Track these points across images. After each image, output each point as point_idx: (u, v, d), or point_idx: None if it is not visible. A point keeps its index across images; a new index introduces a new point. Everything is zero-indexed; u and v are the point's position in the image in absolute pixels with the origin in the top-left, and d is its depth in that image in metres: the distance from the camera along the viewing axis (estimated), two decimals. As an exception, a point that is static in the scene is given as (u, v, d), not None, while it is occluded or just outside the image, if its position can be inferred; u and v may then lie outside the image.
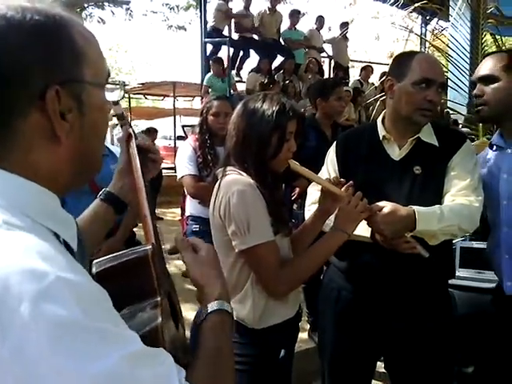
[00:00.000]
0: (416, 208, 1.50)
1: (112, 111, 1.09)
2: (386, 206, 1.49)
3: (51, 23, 0.63)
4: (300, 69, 8.47)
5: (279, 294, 1.49)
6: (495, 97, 1.70)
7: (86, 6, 10.54)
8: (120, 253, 0.75)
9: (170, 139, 14.65)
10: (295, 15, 8.90)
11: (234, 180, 1.45)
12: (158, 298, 0.68)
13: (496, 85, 1.69)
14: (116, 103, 1.08)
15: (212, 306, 0.78)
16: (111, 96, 0.78)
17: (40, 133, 0.63)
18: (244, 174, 1.47)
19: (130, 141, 1.06)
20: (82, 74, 0.66)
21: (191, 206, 2.80)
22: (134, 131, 1.09)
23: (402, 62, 1.67)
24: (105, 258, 0.74)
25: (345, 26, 9.54)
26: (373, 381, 1.88)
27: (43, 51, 0.61)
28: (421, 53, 1.73)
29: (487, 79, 1.72)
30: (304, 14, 9.63)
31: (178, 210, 6.12)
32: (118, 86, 0.80)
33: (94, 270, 0.73)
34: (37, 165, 0.64)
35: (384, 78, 1.81)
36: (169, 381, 0.56)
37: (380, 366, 1.89)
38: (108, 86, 0.75)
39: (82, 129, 0.66)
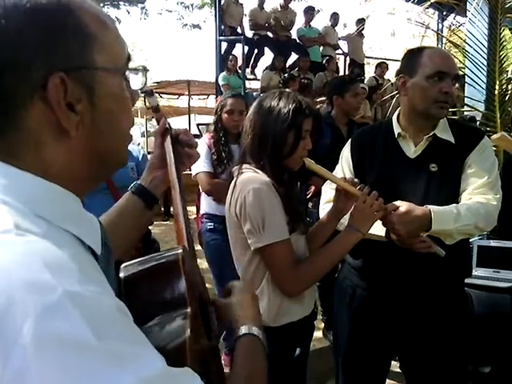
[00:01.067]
0: (432, 207, 1.49)
1: (147, 103, 1.03)
2: (402, 206, 1.48)
3: (54, 5, 0.57)
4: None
5: (292, 292, 1.49)
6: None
7: (101, 5, 10.64)
8: (149, 256, 0.70)
9: (185, 137, 14.71)
10: (310, 12, 8.86)
11: (249, 178, 1.45)
12: (188, 309, 0.62)
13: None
14: (150, 94, 1.03)
15: (243, 329, 0.80)
16: (134, 84, 0.68)
17: (46, 126, 0.57)
18: (260, 171, 1.47)
19: (166, 135, 1.00)
20: (94, 60, 0.59)
21: (206, 204, 2.82)
22: (170, 125, 1.04)
23: (412, 58, 1.66)
24: (133, 261, 0.69)
25: (361, 22, 9.47)
26: (387, 380, 1.87)
27: (42, 35, 0.55)
28: (430, 47, 1.72)
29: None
30: (319, 11, 9.56)
31: (192, 208, 6.13)
32: (139, 73, 0.71)
33: (121, 274, 0.68)
34: (48, 161, 0.57)
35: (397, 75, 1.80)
36: None
37: (395, 366, 1.88)
38: (129, 72, 0.66)
39: (96, 120, 0.60)
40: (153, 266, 0.68)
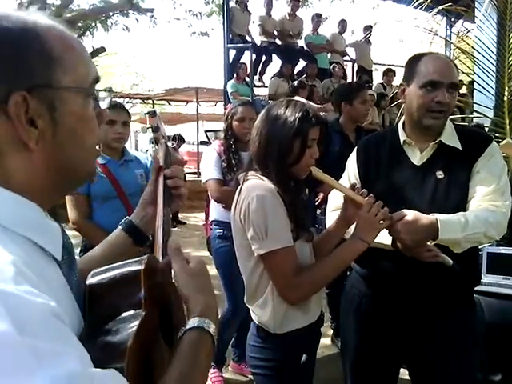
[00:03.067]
0: (438, 216, 1.47)
1: (148, 123, 1.09)
2: (408, 215, 1.46)
3: (19, 29, 0.62)
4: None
5: (294, 300, 1.48)
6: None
7: (111, 14, 10.75)
8: (116, 264, 0.74)
9: (193, 144, 14.81)
10: (317, 19, 8.88)
11: (254, 185, 1.46)
12: (142, 313, 0.66)
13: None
14: (153, 115, 1.08)
15: (192, 322, 0.73)
16: (102, 104, 0.74)
17: (8, 139, 0.61)
18: (265, 179, 1.48)
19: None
20: (56, 80, 0.64)
21: (215, 211, 2.83)
22: (167, 144, 1.07)
23: (410, 65, 1.65)
24: (100, 269, 0.74)
25: (368, 29, 9.48)
26: (397, 388, 1.86)
27: (6, 57, 0.61)
28: (429, 54, 1.68)
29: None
30: (326, 18, 9.58)
31: (201, 215, 6.17)
32: (106, 94, 0.76)
33: (88, 281, 0.72)
34: (9, 172, 0.62)
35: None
36: None
37: (404, 373, 1.87)
38: (101, 93, 0.72)
39: (58, 136, 0.65)
40: (116, 273, 0.72)
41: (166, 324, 0.75)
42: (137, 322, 0.64)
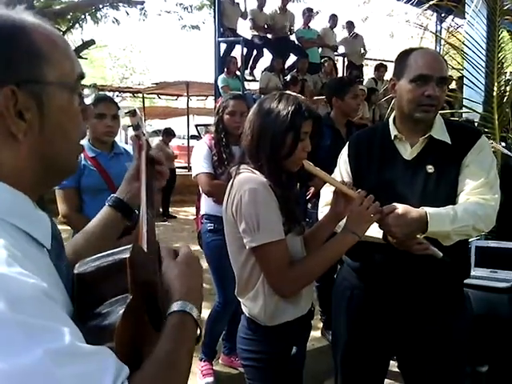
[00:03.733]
0: (428, 209, 1.49)
1: (129, 121, 1.14)
2: (398, 208, 1.48)
3: (8, 27, 0.66)
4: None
5: (286, 293, 1.49)
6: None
7: (100, 6, 10.63)
8: (102, 254, 0.76)
9: (184, 138, 14.74)
10: (308, 13, 8.87)
11: (246, 178, 1.47)
12: (129, 299, 0.68)
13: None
14: (134, 114, 1.13)
15: (174, 306, 0.75)
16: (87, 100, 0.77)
17: None
18: (257, 172, 1.48)
19: (141, 150, 1.09)
20: (43, 75, 0.67)
21: (206, 205, 2.82)
22: (147, 141, 1.12)
23: (401, 60, 1.67)
24: (87, 258, 0.76)
25: (351, 25, 9.53)
26: (386, 380, 1.88)
27: None
28: (418, 49, 1.70)
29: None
30: (317, 13, 9.56)
31: (192, 209, 6.18)
32: (90, 90, 0.80)
33: (75, 270, 0.74)
34: None
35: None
36: (99, 379, 0.55)
37: (393, 365, 1.90)
38: (86, 90, 0.76)
39: (45, 129, 0.68)
40: (101, 263, 0.74)
41: (154, 311, 0.76)
42: (125, 306, 0.67)
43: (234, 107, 2.71)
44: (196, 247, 3.07)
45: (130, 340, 0.66)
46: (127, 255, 0.72)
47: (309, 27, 8.91)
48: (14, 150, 0.66)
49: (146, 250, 0.83)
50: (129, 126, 1.16)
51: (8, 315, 0.50)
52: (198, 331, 0.78)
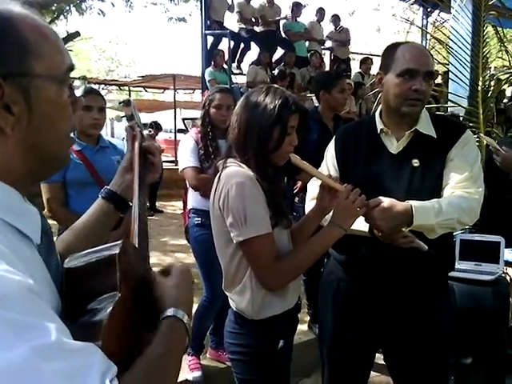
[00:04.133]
0: (413, 203, 1.50)
1: (123, 112, 1.13)
2: (383, 202, 1.49)
3: None
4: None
5: (273, 286, 1.50)
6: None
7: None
8: (92, 250, 0.76)
9: (171, 132, 14.64)
10: (296, 6, 8.85)
11: (233, 172, 1.46)
12: (117, 296, 0.68)
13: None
14: (128, 104, 1.13)
15: (166, 312, 0.77)
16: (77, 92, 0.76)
17: None
18: (244, 166, 1.48)
19: (135, 141, 1.09)
20: (31, 68, 0.65)
21: (193, 199, 2.81)
22: (141, 132, 1.12)
23: (387, 54, 1.67)
24: (78, 254, 0.76)
25: (336, 18, 9.53)
26: (372, 372, 1.90)
27: None
28: (405, 43, 1.70)
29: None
30: (305, 6, 9.53)
31: (179, 203, 6.16)
32: (80, 82, 0.79)
33: (65, 264, 0.75)
34: None
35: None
36: (85, 375, 0.54)
37: (379, 358, 1.91)
38: (76, 82, 0.75)
39: (34, 122, 0.66)
40: (91, 259, 0.74)
41: (145, 309, 0.76)
42: (109, 303, 0.67)
43: (221, 101, 2.69)
44: (183, 241, 3.05)
45: (118, 338, 0.66)
46: (117, 251, 0.72)
47: (296, 20, 8.89)
48: (2, 145, 0.65)
49: (137, 245, 0.83)
50: (122, 117, 1.15)
51: None
52: (187, 340, 0.79)
